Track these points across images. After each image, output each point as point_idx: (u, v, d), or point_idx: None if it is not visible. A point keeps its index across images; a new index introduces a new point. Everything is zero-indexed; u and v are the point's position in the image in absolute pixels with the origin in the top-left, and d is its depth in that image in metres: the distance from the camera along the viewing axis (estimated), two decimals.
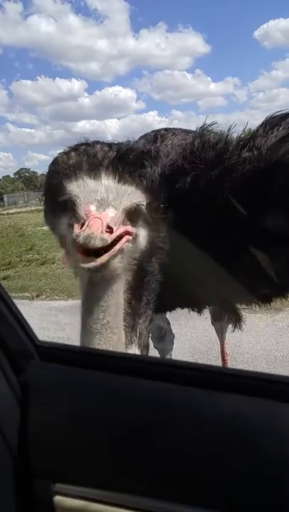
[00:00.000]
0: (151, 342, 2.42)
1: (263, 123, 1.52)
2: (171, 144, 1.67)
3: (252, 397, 0.64)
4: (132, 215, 1.24)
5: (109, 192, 1.22)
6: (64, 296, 5.64)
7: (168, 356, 2.49)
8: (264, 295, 1.78)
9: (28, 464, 0.75)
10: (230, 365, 2.81)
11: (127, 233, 1.20)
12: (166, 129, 1.85)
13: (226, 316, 2.23)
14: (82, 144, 1.69)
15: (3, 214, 24.97)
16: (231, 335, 2.64)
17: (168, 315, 2.35)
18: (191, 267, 1.50)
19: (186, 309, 1.95)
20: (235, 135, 1.60)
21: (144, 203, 1.30)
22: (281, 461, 0.60)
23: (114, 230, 1.12)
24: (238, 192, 1.40)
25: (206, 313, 2.28)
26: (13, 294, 5.75)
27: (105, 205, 1.18)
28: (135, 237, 1.25)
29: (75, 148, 1.67)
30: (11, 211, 27.29)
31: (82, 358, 0.81)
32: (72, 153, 1.63)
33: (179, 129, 1.88)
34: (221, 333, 2.62)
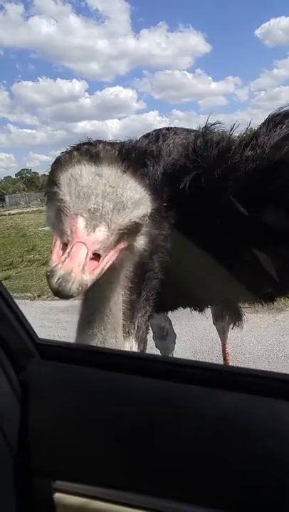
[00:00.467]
0: (153, 341, 2.43)
1: (265, 121, 1.52)
2: (173, 143, 1.67)
3: (253, 395, 0.64)
4: (129, 233, 1.01)
5: (107, 199, 0.98)
6: None
7: (170, 355, 2.48)
8: (267, 294, 1.78)
9: (29, 462, 0.75)
10: (231, 365, 2.80)
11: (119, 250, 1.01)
12: (168, 129, 1.85)
13: (228, 316, 2.23)
14: (84, 144, 1.69)
15: (5, 215, 25.07)
16: (233, 335, 2.64)
17: (169, 315, 2.35)
18: (193, 265, 1.50)
19: (188, 309, 1.95)
20: (237, 135, 1.60)
21: (149, 213, 1.08)
22: (282, 459, 0.60)
23: (101, 258, 0.92)
24: (241, 191, 1.40)
25: (207, 313, 2.28)
26: (15, 294, 5.76)
27: (97, 221, 0.94)
28: (131, 247, 1.07)
29: (78, 148, 1.67)
30: (12, 212, 27.39)
31: (83, 356, 0.81)
32: (75, 153, 1.64)
33: (181, 128, 1.88)
34: (222, 333, 2.62)
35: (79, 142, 1.70)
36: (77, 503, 0.73)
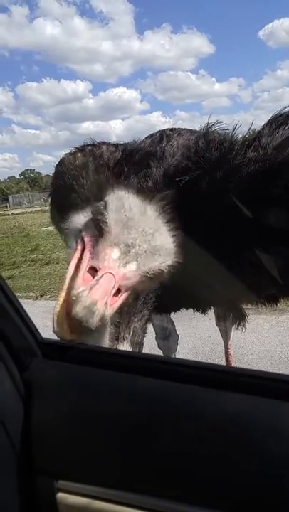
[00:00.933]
0: (155, 342, 2.43)
1: (268, 122, 1.51)
2: (176, 144, 1.67)
3: (255, 396, 0.64)
4: (152, 278, 1.01)
5: (144, 239, 0.95)
6: None
7: (172, 356, 2.48)
8: (270, 295, 1.77)
9: (32, 461, 0.75)
10: (234, 366, 2.79)
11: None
12: (171, 129, 1.85)
13: (231, 317, 2.23)
14: (88, 145, 1.70)
15: (8, 214, 25.12)
16: (235, 336, 2.63)
17: (172, 315, 2.35)
18: (196, 267, 1.50)
19: (190, 310, 1.95)
20: (240, 135, 1.59)
21: (172, 264, 1.05)
22: (284, 460, 0.60)
23: (120, 294, 0.92)
24: (243, 192, 1.40)
25: (209, 314, 2.27)
26: (18, 294, 5.76)
27: (131, 257, 0.93)
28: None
29: (82, 149, 1.68)
30: (15, 211, 27.46)
31: (86, 356, 0.81)
32: (79, 154, 1.64)
33: (185, 129, 1.88)
34: (225, 334, 2.61)
35: (83, 143, 1.71)
36: (79, 503, 0.73)
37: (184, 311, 1.98)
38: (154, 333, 2.38)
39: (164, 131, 1.83)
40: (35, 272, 7.58)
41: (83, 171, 1.44)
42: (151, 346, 2.31)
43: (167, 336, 2.44)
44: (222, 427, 0.64)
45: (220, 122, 1.59)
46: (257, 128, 1.61)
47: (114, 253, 0.92)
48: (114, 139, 1.82)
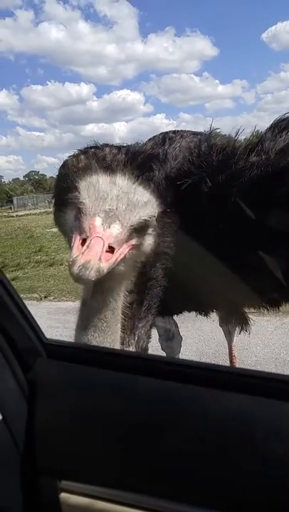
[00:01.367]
0: (159, 343, 2.43)
1: (271, 126, 1.51)
2: (179, 147, 1.67)
3: (257, 397, 0.64)
4: (139, 230, 1.14)
5: (120, 201, 1.11)
6: (72, 298, 5.65)
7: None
8: (273, 299, 1.76)
9: (35, 461, 0.76)
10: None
11: (131, 246, 1.12)
12: (174, 132, 1.85)
13: (234, 319, 2.22)
14: (91, 147, 1.71)
15: (13, 216, 25.25)
16: (239, 338, 2.63)
17: (175, 317, 2.35)
18: (198, 270, 1.50)
19: (193, 312, 1.95)
20: (243, 138, 1.60)
21: (156, 215, 1.21)
22: (286, 461, 0.60)
23: (115, 251, 1.04)
24: (246, 196, 1.40)
25: (213, 315, 2.27)
26: (22, 295, 5.75)
27: (112, 219, 1.08)
28: (140, 246, 1.18)
29: (85, 151, 1.69)
30: (20, 213, 27.56)
31: (89, 356, 0.82)
32: (82, 156, 1.65)
33: (188, 131, 1.88)
34: (229, 336, 2.61)
35: (86, 146, 1.72)
36: (82, 503, 0.73)
37: (186, 313, 1.98)
38: (157, 334, 2.38)
39: (166, 133, 1.84)
40: (39, 273, 7.61)
41: (86, 173, 1.45)
42: (154, 347, 2.31)
43: (171, 338, 2.44)
44: (224, 428, 0.64)
45: (220, 128, 1.59)
46: (260, 130, 1.61)
47: (97, 221, 1.06)
48: (117, 141, 1.83)
